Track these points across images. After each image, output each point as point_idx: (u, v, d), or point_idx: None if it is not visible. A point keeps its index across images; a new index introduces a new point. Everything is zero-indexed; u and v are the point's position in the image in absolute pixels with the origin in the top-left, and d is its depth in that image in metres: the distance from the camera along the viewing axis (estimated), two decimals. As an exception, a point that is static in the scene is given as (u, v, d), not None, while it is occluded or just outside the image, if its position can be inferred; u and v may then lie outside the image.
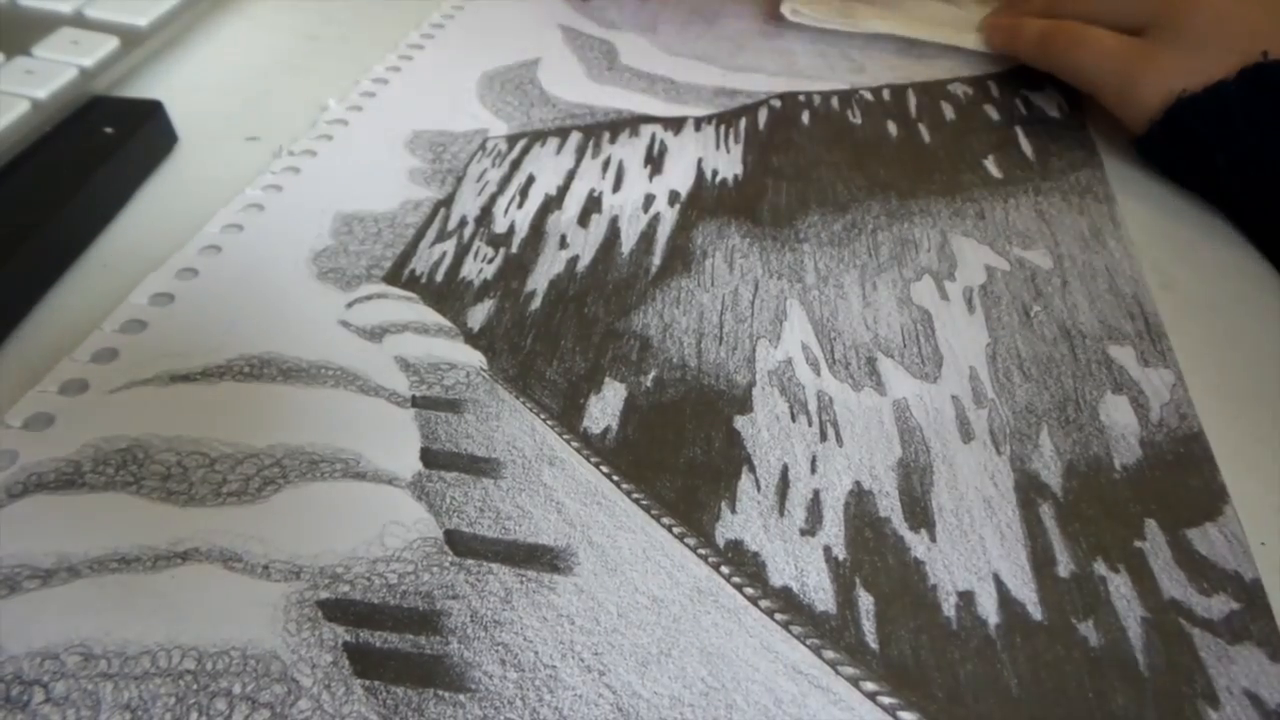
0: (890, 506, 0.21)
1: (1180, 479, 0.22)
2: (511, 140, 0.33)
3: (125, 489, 0.21)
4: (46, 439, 0.21)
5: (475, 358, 0.24)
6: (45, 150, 0.28)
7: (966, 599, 0.19)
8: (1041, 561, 0.20)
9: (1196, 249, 0.30)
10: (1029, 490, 0.21)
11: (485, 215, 0.30)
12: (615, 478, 0.22)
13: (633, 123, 0.35)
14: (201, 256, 0.27)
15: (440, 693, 0.17)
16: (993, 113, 0.36)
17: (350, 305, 0.26)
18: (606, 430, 0.23)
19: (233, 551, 0.19)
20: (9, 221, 0.25)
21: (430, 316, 0.26)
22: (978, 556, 0.20)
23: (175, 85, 0.35)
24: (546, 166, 0.32)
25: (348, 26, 0.41)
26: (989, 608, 0.19)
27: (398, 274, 0.27)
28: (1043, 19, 0.36)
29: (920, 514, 0.21)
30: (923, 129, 0.35)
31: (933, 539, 0.20)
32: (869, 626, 0.19)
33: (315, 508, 0.21)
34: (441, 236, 0.29)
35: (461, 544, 0.20)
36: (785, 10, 0.41)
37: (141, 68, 0.35)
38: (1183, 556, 0.20)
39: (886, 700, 0.17)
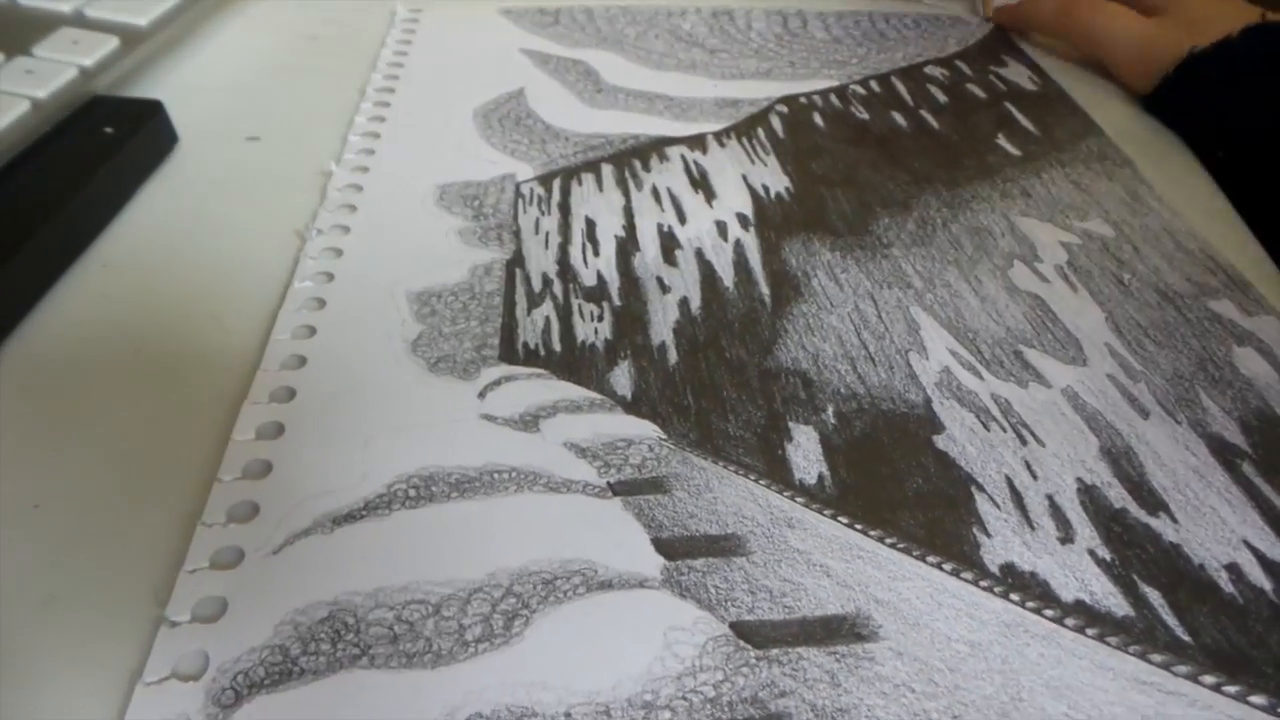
0: (1120, 496, 0.22)
1: (1339, 415, 0.24)
2: (545, 181, 0.31)
3: (355, 664, 0.18)
4: (229, 627, 0.18)
5: (648, 428, 0.23)
6: (45, 150, 0.27)
7: (1235, 571, 0.20)
8: (1274, 520, 0.21)
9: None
10: (1224, 453, 0.23)
11: (565, 269, 0.28)
12: (859, 526, 0.21)
13: (655, 146, 0.33)
14: (287, 371, 0.23)
15: (835, 803, 0.16)
16: (977, 91, 0.38)
17: (483, 395, 0.23)
18: (821, 478, 0.22)
19: (521, 706, 0.17)
20: (9, 221, 0.25)
21: (576, 391, 0.24)
22: (1220, 528, 0.21)
23: (175, 85, 0.34)
24: (599, 206, 0.30)
25: (348, 26, 0.39)
26: (1258, 575, 0.20)
27: (512, 350, 0.25)
28: None
29: (1149, 497, 0.22)
30: (926, 115, 0.36)
31: (1174, 520, 0.21)
32: (1172, 620, 0.19)
33: (578, 632, 0.18)
34: (534, 300, 0.26)
35: (755, 635, 0.18)
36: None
37: (141, 68, 0.33)
38: (1381, 487, 0.22)
39: (1231, 689, 0.18)
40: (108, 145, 0.28)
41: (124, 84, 0.32)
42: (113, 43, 0.32)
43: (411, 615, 0.18)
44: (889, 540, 0.20)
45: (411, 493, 0.21)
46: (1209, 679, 0.18)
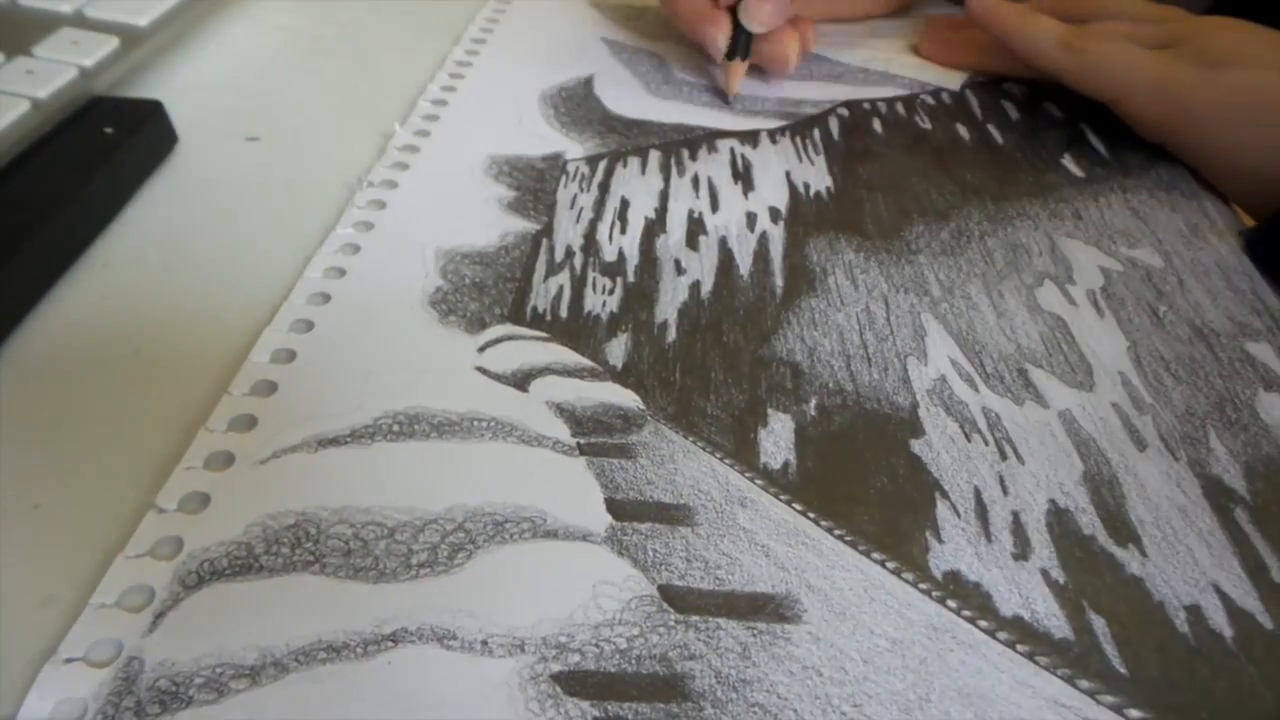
0: (1091, 523, 0.21)
1: (1358, 474, 0.22)
2: (591, 162, 0.32)
3: (307, 569, 0.19)
4: (207, 521, 0.20)
5: (629, 398, 0.24)
6: (45, 150, 0.28)
7: (1195, 613, 0.19)
8: (1254, 568, 0.20)
9: None
10: (1218, 495, 0.22)
11: (590, 244, 0.29)
12: (811, 515, 0.21)
13: (708, 138, 0.34)
14: (311, 306, 0.25)
15: (713, 764, 0.16)
16: (1054, 110, 0.37)
17: (482, 350, 0.25)
18: (786, 465, 0.22)
19: (444, 629, 0.18)
20: (9, 221, 0.25)
21: (570, 357, 0.25)
22: (1191, 568, 0.20)
23: (175, 85, 0.34)
24: (636, 188, 0.31)
25: (349, 26, 0.40)
26: (1220, 621, 0.19)
27: (520, 312, 0.26)
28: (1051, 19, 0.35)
29: (1122, 529, 0.21)
30: (993, 130, 0.35)
31: (1143, 554, 0.20)
32: (1111, 650, 0.19)
33: (514, 572, 0.19)
34: (553, 269, 0.28)
35: (679, 600, 0.19)
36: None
37: (141, 68, 0.34)
38: (1385, 552, 0.20)
39: (1155, 727, 0.17)
40: (108, 145, 0.28)
41: (124, 84, 0.32)
42: (113, 43, 0.31)
43: (367, 535, 0.20)
44: (837, 532, 0.21)
45: (395, 427, 0.22)
46: (1135, 713, 0.17)
